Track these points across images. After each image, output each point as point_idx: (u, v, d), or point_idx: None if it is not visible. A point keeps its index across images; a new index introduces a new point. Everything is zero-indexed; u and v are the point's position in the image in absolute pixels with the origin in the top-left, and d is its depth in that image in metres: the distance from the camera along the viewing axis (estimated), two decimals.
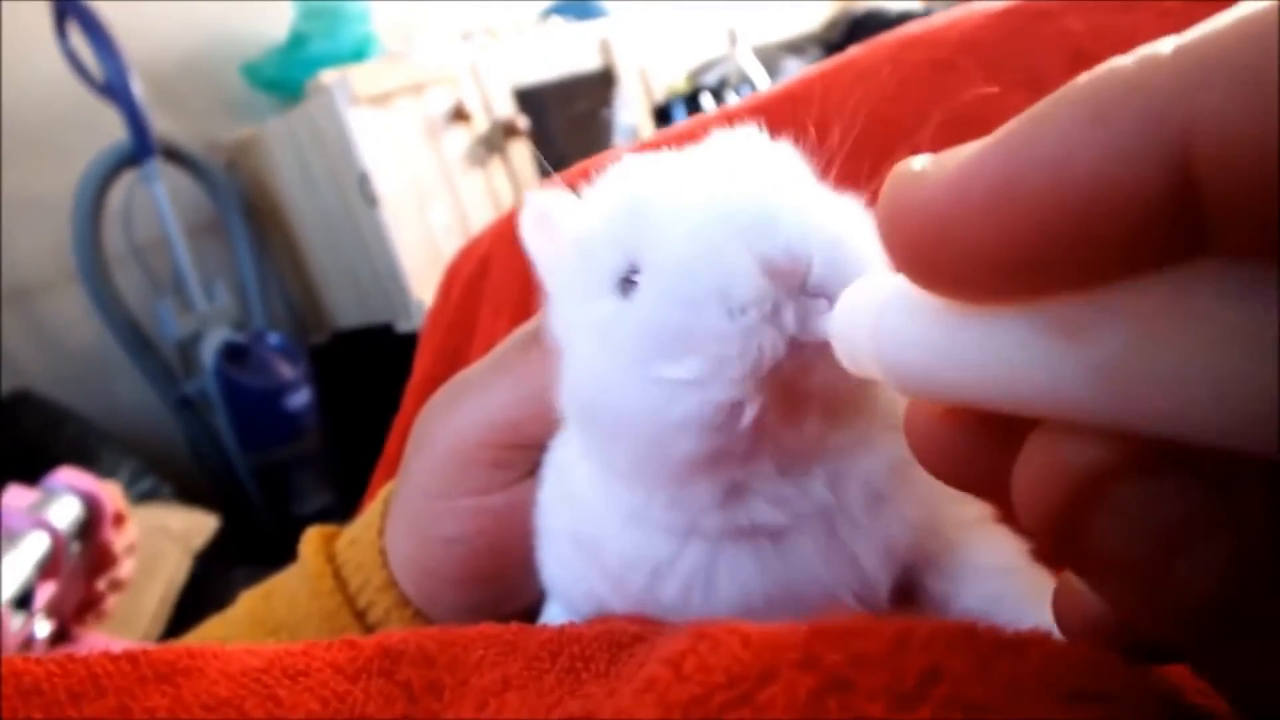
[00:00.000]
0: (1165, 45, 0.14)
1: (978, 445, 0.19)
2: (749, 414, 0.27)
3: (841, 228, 0.28)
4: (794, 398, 0.28)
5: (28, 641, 0.72)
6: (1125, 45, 0.17)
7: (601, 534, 0.34)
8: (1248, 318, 0.13)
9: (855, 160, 0.32)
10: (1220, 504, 0.15)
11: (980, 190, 0.15)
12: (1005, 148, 0.15)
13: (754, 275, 0.27)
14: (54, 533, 0.75)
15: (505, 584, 0.41)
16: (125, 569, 0.88)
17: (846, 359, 0.23)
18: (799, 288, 0.27)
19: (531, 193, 0.35)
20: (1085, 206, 0.14)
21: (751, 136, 0.33)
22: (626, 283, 0.30)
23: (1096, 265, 0.15)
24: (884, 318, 0.20)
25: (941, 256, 0.16)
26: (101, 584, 0.85)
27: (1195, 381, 0.13)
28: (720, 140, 0.33)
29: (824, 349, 0.26)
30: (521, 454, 0.40)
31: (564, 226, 0.34)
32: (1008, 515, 0.34)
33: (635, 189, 0.31)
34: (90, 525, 0.81)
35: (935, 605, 0.34)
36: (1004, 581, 0.33)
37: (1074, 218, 0.14)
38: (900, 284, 0.19)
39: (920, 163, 0.17)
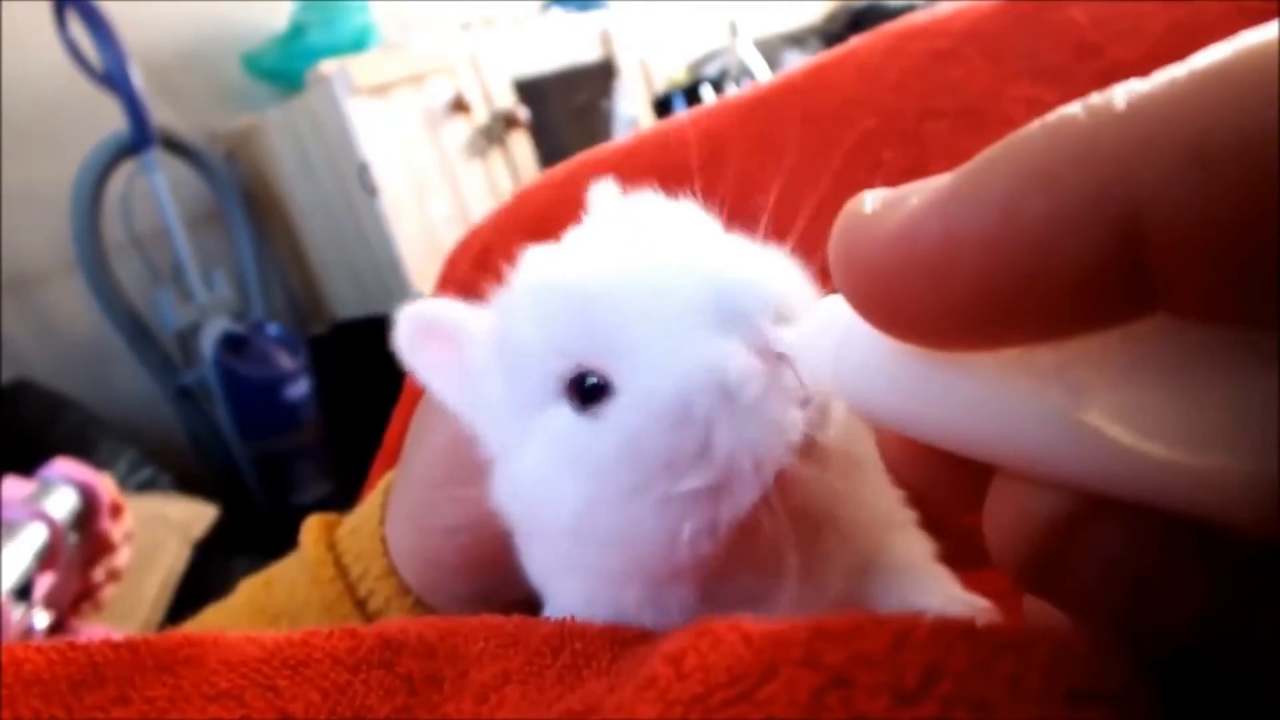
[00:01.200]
0: (1119, 97, 0.13)
1: (949, 468, 0.19)
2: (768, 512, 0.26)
3: (779, 282, 0.27)
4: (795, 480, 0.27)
5: (26, 632, 0.72)
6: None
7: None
8: (1204, 381, 0.13)
9: (860, 153, 0.31)
10: (1197, 544, 0.15)
11: (924, 247, 0.15)
12: (949, 205, 0.15)
13: (745, 357, 0.26)
14: (52, 524, 0.75)
15: (505, 572, 0.41)
16: (122, 558, 0.88)
17: (807, 377, 0.23)
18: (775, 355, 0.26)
19: (407, 307, 0.33)
20: (1029, 270, 0.14)
21: (648, 204, 0.32)
22: (581, 389, 0.28)
23: (1042, 324, 0.14)
24: (845, 349, 0.20)
25: (891, 306, 0.16)
26: (99, 574, 0.85)
27: (1153, 445, 0.14)
28: (618, 214, 0.32)
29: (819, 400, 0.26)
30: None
31: (465, 335, 0.32)
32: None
33: (566, 287, 0.29)
34: (87, 515, 0.81)
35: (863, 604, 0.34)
36: (922, 579, 0.33)
37: (1017, 280, 0.14)
38: (850, 333, 0.19)
39: (870, 203, 0.17)
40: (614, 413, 0.27)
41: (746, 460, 0.26)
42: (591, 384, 0.28)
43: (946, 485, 0.20)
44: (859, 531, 0.32)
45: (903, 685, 0.18)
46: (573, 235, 0.32)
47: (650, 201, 0.32)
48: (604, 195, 0.37)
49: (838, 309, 0.21)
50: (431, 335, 0.33)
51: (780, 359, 0.26)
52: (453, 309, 0.33)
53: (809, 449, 0.27)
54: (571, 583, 0.32)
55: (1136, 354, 0.14)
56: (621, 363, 0.27)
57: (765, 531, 0.27)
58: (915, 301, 0.15)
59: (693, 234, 0.30)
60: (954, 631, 0.19)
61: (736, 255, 0.28)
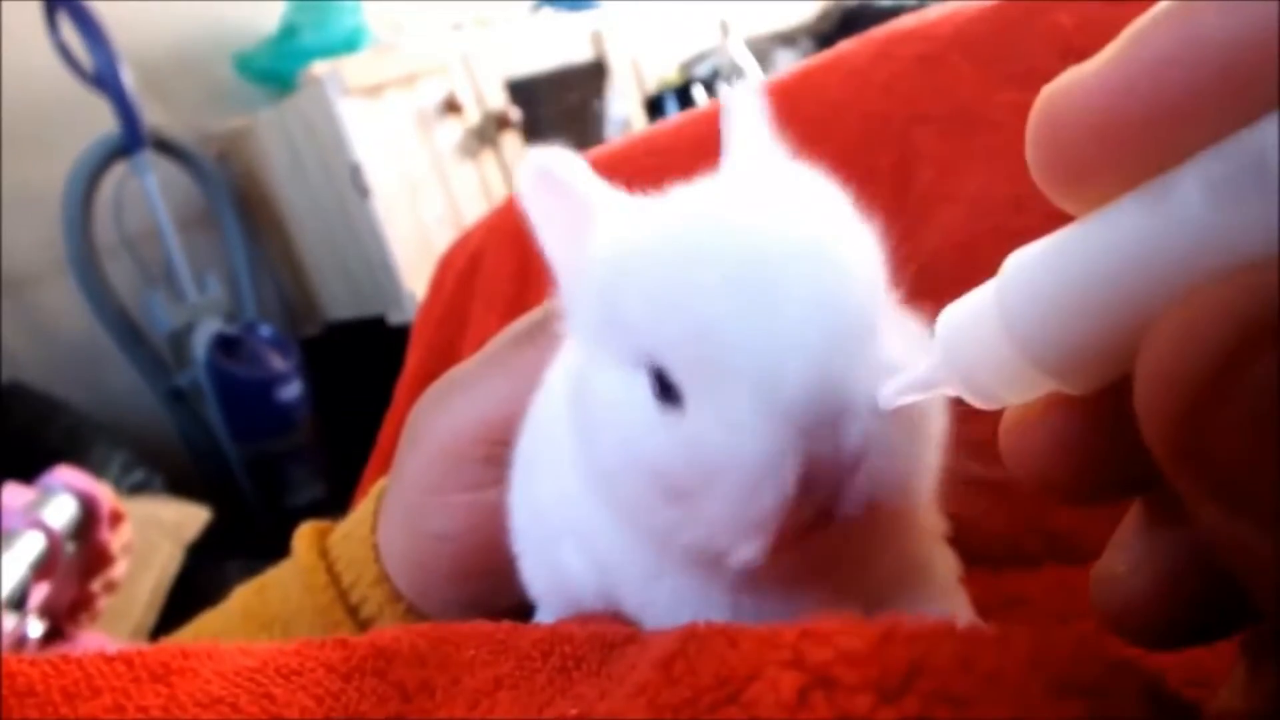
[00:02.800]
0: None
1: (1080, 432, 0.19)
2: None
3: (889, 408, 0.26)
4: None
5: (20, 641, 0.72)
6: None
7: (596, 533, 0.33)
8: None
9: (849, 157, 0.31)
10: None
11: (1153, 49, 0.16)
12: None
13: (790, 482, 0.25)
14: (50, 533, 0.75)
15: (497, 579, 0.41)
16: (119, 570, 0.88)
17: (965, 388, 0.21)
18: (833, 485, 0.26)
19: (538, 153, 0.31)
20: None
21: (815, 189, 0.29)
22: (660, 380, 0.27)
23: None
24: (1006, 300, 0.19)
25: (1122, 125, 0.16)
26: (96, 585, 0.85)
27: None
28: (769, 173, 0.30)
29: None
30: (514, 450, 0.40)
31: (589, 212, 0.31)
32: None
33: (685, 290, 0.27)
34: (86, 525, 0.81)
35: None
36: (950, 600, 0.34)
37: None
38: (1009, 266, 0.19)
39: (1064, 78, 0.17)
40: (677, 426, 0.27)
41: (728, 536, 0.26)
42: (669, 383, 0.27)
43: (1067, 459, 0.19)
44: (908, 541, 0.32)
45: (885, 683, 0.18)
46: (719, 184, 0.30)
47: (810, 188, 0.29)
48: (745, 105, 0.34)
49: (972, 303, 0.20)
50: (554, 189, 0.31)
51: (834, 485, 0.25)
52: (583, 175, 0.31)
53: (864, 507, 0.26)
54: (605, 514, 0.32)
55: None
56: (698, 389, 0.27)
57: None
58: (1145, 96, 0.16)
59: (842, 290, 0.27)
60: (935, 630, 0.20)
61: (866, 347, 0.26)
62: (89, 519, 0.81)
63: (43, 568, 0.74)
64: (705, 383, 0.26)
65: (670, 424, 0.27)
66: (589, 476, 0.32)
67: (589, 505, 0.33)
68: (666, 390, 0.27)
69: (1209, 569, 0.18)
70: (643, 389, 0.28)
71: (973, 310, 0.20)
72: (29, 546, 0.73)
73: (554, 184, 0.31)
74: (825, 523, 0.26)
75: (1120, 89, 0.16)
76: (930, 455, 0.28)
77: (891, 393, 0.25)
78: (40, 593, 0.74)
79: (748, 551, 0.26)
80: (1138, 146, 0.16)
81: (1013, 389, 0.20)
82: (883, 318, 0.27)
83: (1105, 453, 0.19)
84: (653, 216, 0.29)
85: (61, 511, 0.78)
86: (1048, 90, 0.17)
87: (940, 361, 0.22)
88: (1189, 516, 0.16)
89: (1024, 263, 0.18)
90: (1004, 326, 0.18)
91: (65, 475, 0.81)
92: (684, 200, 0.29)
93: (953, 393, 0.22)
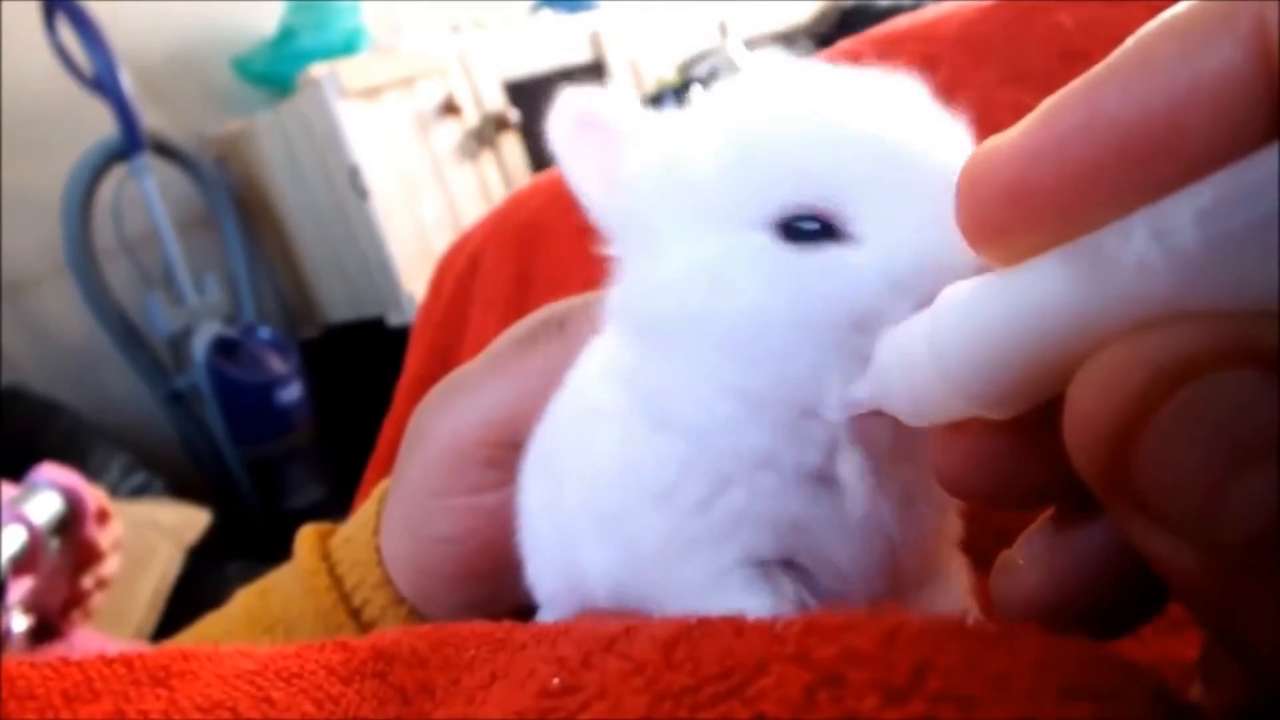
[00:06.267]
0: None
1: (1000, 448, 0.21)
2: None
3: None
4: None
5: (3, 635, 0.71)
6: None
7: (630, 486, 0.32)
8: None
9: None
10: None
11: (1070, 118, 0.17)
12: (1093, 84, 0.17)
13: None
14: (30, 527, 0.74)
15: (500, 583, 0.41)
16: (111, 566, 0.88)
17: (895, 408, 0.23)
18: None
19: (569, 92, 0.31)
20: (1170, 110, 0.16)
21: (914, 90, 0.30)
22: (792, 229, 0.27)
23: (1187, 161, 0.15)
24: (937, 332, 0.20)
25: (1030, 190, 0.18)
26: (88, 581, 0.85)
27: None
28: (812, 74, 0.30)
29: None
30: (516, 453, 0.40)
31: (626, 139, 0.30)
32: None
33: (853, 125, 0.27)
34: (72, 521, 0.80)
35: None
36: (964, 604, 0.34)
37: (1159, 125, 0.16)
38: (942, 301, 0.20)
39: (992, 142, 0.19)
40: (836, 253, 0.26)
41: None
42: (810, 228, 0.27)
43: (994, 474, 0.21)
44: (940, 527, 0.33)
45: (892, 683, 0.18)
46: (751, 81, 0.30)
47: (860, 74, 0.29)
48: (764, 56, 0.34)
49: (909, 330, 0.22)
50: (590, 129, 0.31)
51: None
52: (619, 105, 0.31)
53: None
54: (701, 397, 0.30)
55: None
56: (870, 216, 0.26)
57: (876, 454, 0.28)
58: (1059, 168, 0.17)
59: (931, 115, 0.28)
60: (943, 629, 0.20)
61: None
62: (75, 515, 0.80)
63: (23, 562, 0.74)
64: (890, 204, 0.26)
65: (831, 256, 0.26)
66: (685, 362, 0.30)
67: (622, 464, 0.32)
68: (806, 236, 0.27)
69: (1099, 573, 0.21)
70: (767, 241, 0.27)
71: (908, 337, 0.22)
72: (8, 540, 0.73)
73: (594, 124, 0.31)
74: None
75: (1030, 157, 0.18)
76: None
77: (839, 406, 0.26)
78: (21, 587, 0.73)
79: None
80: (1047, 210, 0.18)
81: (939, 412, 0.21)
82: None
83: (1023, 465, 0.21)
84: (760, 89, 0.30)
85: (44, 507, 0.77)
86: (972, 154, 0.19)
87: (875, 381, 0.24)
88: (1108, 524, 0.20)
89: (956, 300, 0.20)
90: (932, 357, 0.20)
91: (50, 472, 0.81)
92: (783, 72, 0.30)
93: (889, 410, 0.24)
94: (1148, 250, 0.16)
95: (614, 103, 0.31)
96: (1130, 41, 0.17)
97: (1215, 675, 0.21)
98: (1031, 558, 0.22)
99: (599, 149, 0.31)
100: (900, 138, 0.27)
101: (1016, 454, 0.21)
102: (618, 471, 0.32)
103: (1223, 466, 0.15)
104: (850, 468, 0.28)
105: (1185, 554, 0.16)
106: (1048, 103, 0.18)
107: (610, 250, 0.32)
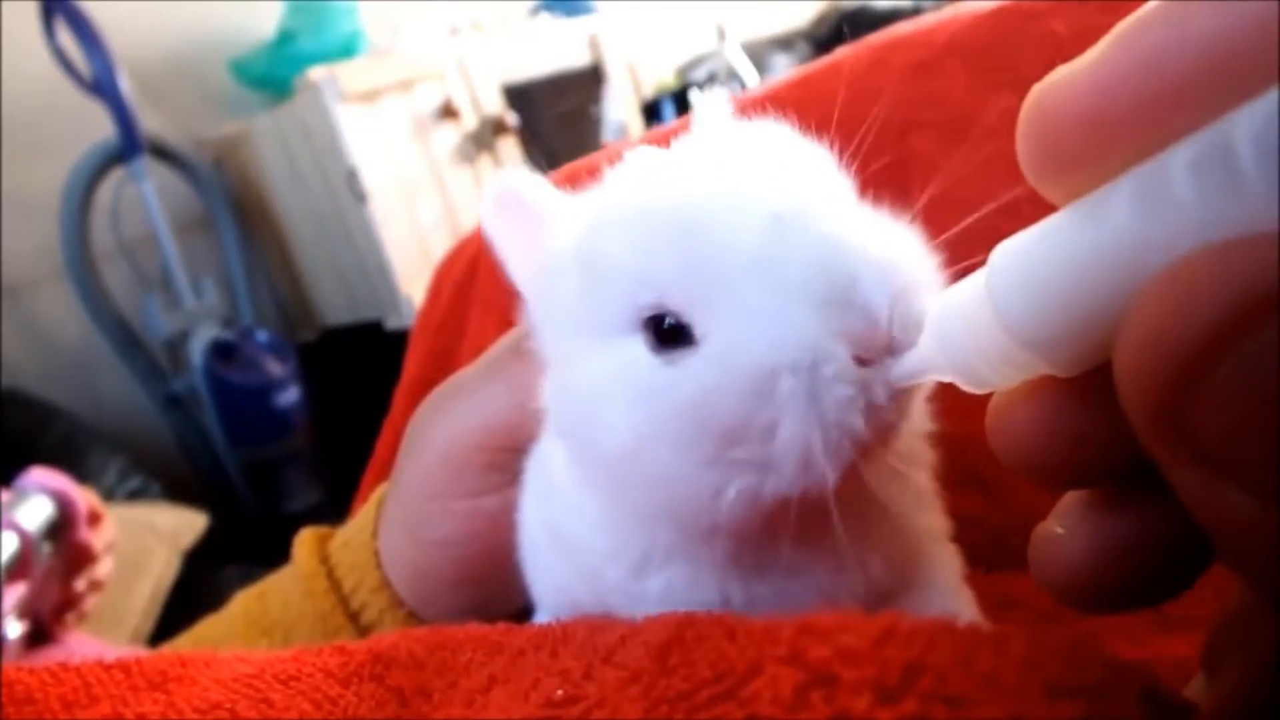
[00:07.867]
0: None
1: (1062, 414, 0.20)
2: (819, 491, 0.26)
3: (909, 274, 0.26)
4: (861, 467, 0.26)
5: None
6: None
7: (579, 527, 0.33)
8: None
9: (848, 161, 0.31)
10: None
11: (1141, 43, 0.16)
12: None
13: (842, 351, 0.25)
14: (23, 533, 0.74)
15: (499, 586, 0.41)
16: (104, 568, 0.87)
17: (956, 373, 0.22)
18: (882, 354, 0.25)
19: (501, 173, 0.31)
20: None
21: (785, 137, 0.30)
22: (659, 328, 0.27)
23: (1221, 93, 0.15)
24: (996, 285, 0.19)
25: (1108, 117, 0.17)
26: (81, 584, 0.84)
27: None
28: (733, 136, 0.30)
29: (899, 410, 0.25)
30: (515, 457, 0.40)
31: (550, 223, 0.31)
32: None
33: (668, 214, 0.27)
34: (64, 525, 0.80)
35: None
36: (955, 599, 0.34)
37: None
38: (995, 255, 0.19)
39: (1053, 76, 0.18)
40: (691, 363, 0.26)
41: (805, 451, 0.25)
42: (671, 325, 0.27)
43: (1044, 446, 0.20)
44: (905, 534, 0.32)
45: (884, 682, 0.18)
46: (682, 146, 0.30)
47: (773, 131, 0.30)
48: (714, 107, 0.34)
49: (961, 292, 0.21)
50: (517, 210, 0.31)
51: (883, 355, 0.25)
52: (546, 191, 0.31)
53: (872, 451, 0.26)
54: (603, 510, 0.32)
55: None
56: (711, 313, 0.26)
57: (812, 510, 0.27)
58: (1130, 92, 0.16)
59: (818, 187, 0.28)
60: (934, 629, 0.20)
61: (863, 227, 0.27)
62: (66, 519, 0.80)
63: (16, 568, 0.73)
64: (726, 297, 0.26)
65: (687, 365, 0.26)
66: (591, 474, 0.31)
67: (572, 508, 0.33)
68: (670, 336, 0.27)
69: (1142, 543, 0.19)
70: (640, 350, 0.27)
71: (963, 298, 0.21)
72: (1, 548, 0.73)
73: (517, 204, 0.31)
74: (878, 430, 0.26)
75: (1111, 82, 0.17)
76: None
77: (896, 377, 0.25)
78: (15, 593, 0.73)
79: (826, 466, 0.25)
80: (1125, 137, 0.17)
81: (1001, 373, 0.20)
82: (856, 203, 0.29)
83: (1084, 436, 0.19)
84: (618, 183, 0.30)
85: (36, 512, 0.77)
86: (1039, 86, 0.18)
87: (932, 348, 0.23)
88: (1156, 500, 0.18)
89: (1013, 249, 0.19)
90: (994, 310, 0.19)
91: (39, 476, 0.80)
92: (644, 161, 0.30)
93: (945, 378, 0.23)
94: (1209, 170, 0.15)
95: (535, 185, 0.31)
96: None
97: (1218, 667, 0.20)
98: (1072, 528, 0.21)
99: (523, 230, 0.32)
100: (733, 224, 0.26)
101: (1076, 420, 0.19)
102: (563, 493, 0.34)
103: None
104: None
105: (1245, 506, 0.14)
106: (1123, 26, 0.17)
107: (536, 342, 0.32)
